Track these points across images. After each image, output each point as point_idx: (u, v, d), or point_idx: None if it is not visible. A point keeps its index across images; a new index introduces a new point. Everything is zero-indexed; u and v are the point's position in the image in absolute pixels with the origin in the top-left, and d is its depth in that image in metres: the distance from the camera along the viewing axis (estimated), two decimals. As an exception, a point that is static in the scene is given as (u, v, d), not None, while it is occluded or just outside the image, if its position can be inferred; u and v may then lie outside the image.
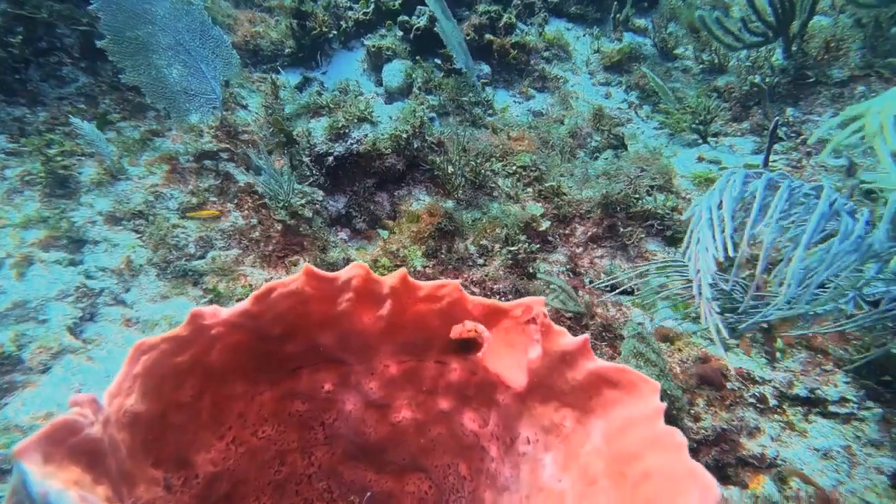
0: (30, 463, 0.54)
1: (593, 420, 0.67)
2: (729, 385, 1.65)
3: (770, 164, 2.50)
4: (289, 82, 2.92)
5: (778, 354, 1.69)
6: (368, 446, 0.87)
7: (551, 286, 1.90)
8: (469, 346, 0.86)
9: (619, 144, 2.81)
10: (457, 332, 0.82)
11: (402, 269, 0.75)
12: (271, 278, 2.21)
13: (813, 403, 1.58)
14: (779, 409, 1.58)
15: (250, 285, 2.17)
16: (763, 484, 1.44)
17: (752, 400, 1.63)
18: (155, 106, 2.67)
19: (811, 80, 3.09)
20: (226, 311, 0.77)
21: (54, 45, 2.57)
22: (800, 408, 1.58)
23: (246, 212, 2.36)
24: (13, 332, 1.82)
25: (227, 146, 2.56)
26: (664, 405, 0.59)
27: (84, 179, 2.28)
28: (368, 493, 0.92)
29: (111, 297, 2.09)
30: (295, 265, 2.26)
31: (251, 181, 2.44)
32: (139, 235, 2.25)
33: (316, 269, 0.75)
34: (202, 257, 2.24)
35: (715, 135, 3.01)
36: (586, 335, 0.67)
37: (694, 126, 2.92)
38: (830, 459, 1.48)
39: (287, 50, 3.47)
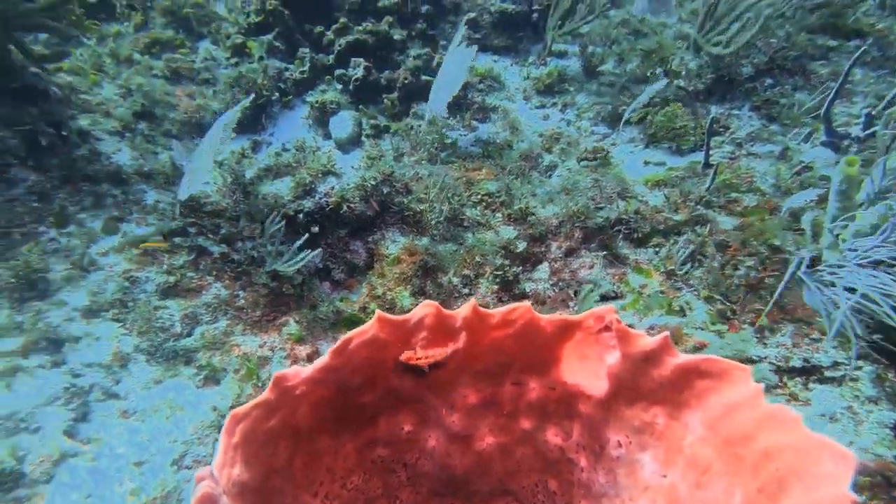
0: (192, 540, 0.56)
1: (688, 413, 0.73)
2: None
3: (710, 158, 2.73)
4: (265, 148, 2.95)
5: (766, 332, 1.82)
6: (455, 479, 0.90)
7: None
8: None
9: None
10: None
11: (472, 300, 0.80)
12: (265, 344, 2.19)
13: (809, 372, 1.69)
14: (780, 384, 1.69)
15: (244, 354, 2.15)
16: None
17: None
18: (112, 192, 2.63)
19: (725, 78, 3.42)
20: (307, 370, 0.80)
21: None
22: (798, 378, 1.70)
23: (227, 282, 2.35)
24: (8, 447, 1.73)
25: (194, 220, 2.54)
26: (762, 385, 0.65)
27: (54, 277, 2.20)
28: None
29: (102, 392, 2.02)
30: (285, 326, 2.26)
31: (225, 251, 2.43)
32: (121, 324, 2.19)
33: (387, 315, 0.80)
34: (190, 335, 2.21)
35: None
36: (666, 333, 0.74)
37: (650, 133, 3.14)
38: (837, 422, 1.58)
39: (230, 117, 3.49)
